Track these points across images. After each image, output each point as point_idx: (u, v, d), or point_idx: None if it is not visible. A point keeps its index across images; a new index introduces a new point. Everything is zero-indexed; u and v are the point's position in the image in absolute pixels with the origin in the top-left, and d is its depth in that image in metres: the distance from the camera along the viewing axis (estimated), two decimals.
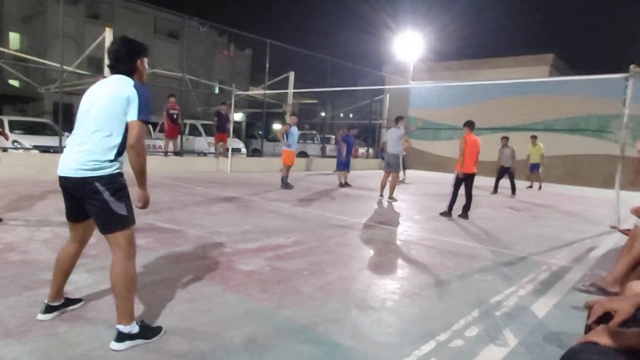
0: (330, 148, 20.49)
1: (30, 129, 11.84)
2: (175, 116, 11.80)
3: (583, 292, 3.43)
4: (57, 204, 5.85)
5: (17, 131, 11.27)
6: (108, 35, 10.96)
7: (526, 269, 4.12)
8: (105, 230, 2.19)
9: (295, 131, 9.70)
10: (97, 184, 2.13)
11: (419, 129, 13.50)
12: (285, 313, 2.71)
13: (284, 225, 5.48)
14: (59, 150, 10.10)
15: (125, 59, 2.28)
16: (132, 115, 2.16)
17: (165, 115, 11.86)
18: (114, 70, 2.29)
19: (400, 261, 4.18)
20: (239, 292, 3.01)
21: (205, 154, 14.32)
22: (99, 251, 3.78)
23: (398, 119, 9.20)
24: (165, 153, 12.19)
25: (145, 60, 2.39)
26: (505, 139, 11.65)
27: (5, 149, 9.96)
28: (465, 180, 6.86)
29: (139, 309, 2.61)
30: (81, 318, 2.43)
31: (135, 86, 2.20)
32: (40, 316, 2.41)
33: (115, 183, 2.18)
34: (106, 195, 2.15)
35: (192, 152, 14.15)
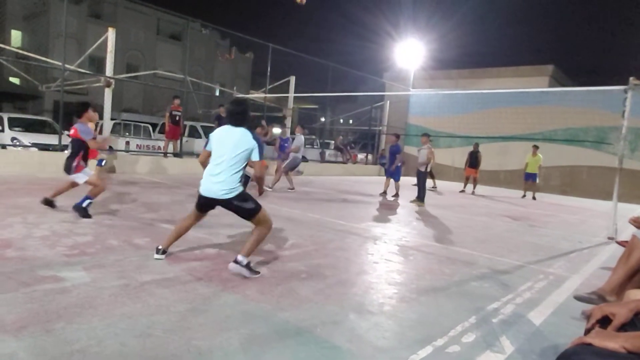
0: (329, 153, 20.54)
1: (30, 127, 11.84)
2: (177, 118, 11.82)
3: (580, 301, 3.44)
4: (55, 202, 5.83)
5: (16, 128, 11.27)
6: (111, 36, 10.99)
7: (523, 277, 4.13)
8: (249, 218, 3.45)
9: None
10: (234, 200, 3.36)
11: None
12: (283, 315, 2.71)
13: (282, 228, 5.48)
14: (58, 148, 10.10)
15: (243, 117, 3.49)
16: (255, 157, 3.44)
17: (167, 116, 11.87)
18: (234, 122, 3.46)
19: (398, 266, 4.18)
20: (237, 293, 3.01)
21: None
22: (97, 250, 3.77)
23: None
24: (165, 154, 12.20)
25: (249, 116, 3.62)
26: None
27: (4, 146, 9.96)
28: None
29: (137, 307, 2.60)
30: (78, 315, 2.42)
31: (254, 138, 3.44)
32: (156, 256, 3.60)
33: (242, 195, 3.41)
34: (240, 203, 3.38)
35: (191, 154, 14.16)
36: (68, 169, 5.27)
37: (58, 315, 2.40)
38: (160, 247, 3.64)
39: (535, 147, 12.81)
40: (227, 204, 3.39)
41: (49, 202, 5.38)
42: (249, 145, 3.37)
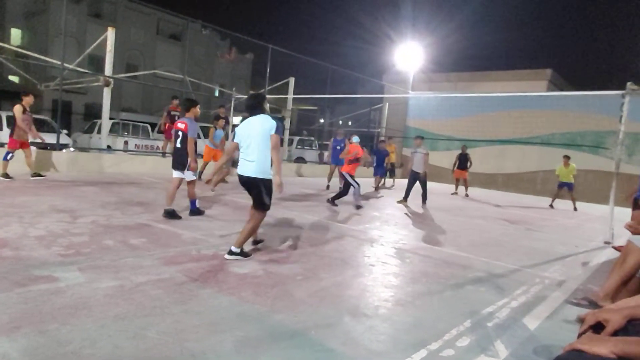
0: (328, 154, 20.53)
1: None
2: (176, 117, 11.81)
3: (575, 305, 3.45)
4: (51, 201, 5.83)
5: None
6: (110, 35, 10.98)
7: (519, 281, 4.14)
8: (256, 207, 3.97)
9: (219, 133, 10.64)
10: (261, 184, 3.86)
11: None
12: (278, 317, 2.71)
13: (279, 229, 5.48)
14: (56, 147, 10.09)
15: (258, 106, 4.00)
16: (272, 132, 3.83)
17: (165, 116, 11.86)
18: (253, 112, 3.97)
19: (394, 269, 4.18)
20: (232, 295, 3.01)
21: (202, 156, 14.30)
22: (92, 250, 3.76)
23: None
24: (163, 154, 12.18)
25: (267, 102, 4.08)
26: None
27: (2, 145, 9.92)
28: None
29: (131, 308, 2.60)
30: (72, 316, 2.42)
31: (273, 119, 3.89)
32: (253, 246, 4.28)
33: (270, 187, 3.90)
34: (264, 190, 3.88)
35: None
36: (182, 165, 5.58)
37: (52, 316, 2.39)
38: (251, 239, 4.21)
39: (567, 158, 12.13)
40: (255, 184, 3.88)
41: (170, 214, 5.54)
42: (270, 125, 3.85)
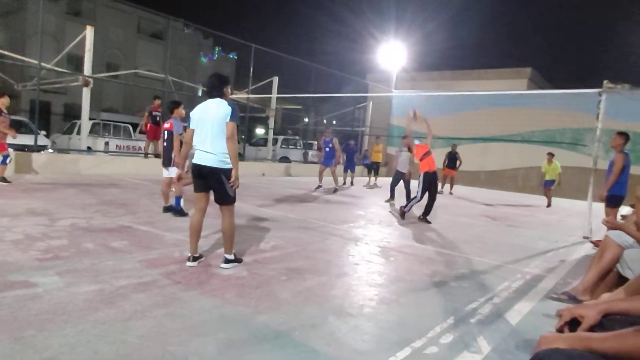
0: (312, 154, 20.53)
1: None
2: (158, 118, 11.64)
3: (555, 300, 3.52)
4: (29, 204, 5.68)
5: None
6: (89, 34, 10.77)
7: (501, 277, 4.20)
8: (221, 202, 3.64)
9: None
10: (222, 174, 3.54)
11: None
12: (262, 318, 2.69)
13: (263, 229, 5.45)
14: (34, 149, 9.85)
15: (217, 87, 3.64)
16: (227, 119, 3.50)
17: (147, 116, 11.68)
18: (211, 94, 3.64)
19: (378, 268, 4.20)
20: (215, 297, 2.98)
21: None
22: (71, 253, 3.68)
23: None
24: (145, 155, 12.01)
25: (229, 87, 3.76)
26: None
27: None
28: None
29: (111, 312, 2.55)
30: (49, 322, 2.36)
31: (229, 104, 3.57)
32: (189, 263, 3.63)
33: (229, 173, 3.55)
34: (226, 182, 3.54)
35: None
36: (169, 162, 5.86)
37: (28, 323, 2.33)
38: (189, 254, 3.71)
39: (550, 155, 12.11)
40: (215, 175, 3.55)
41: (169, 209, 5.92)
42: (225, 110, 3.53)
